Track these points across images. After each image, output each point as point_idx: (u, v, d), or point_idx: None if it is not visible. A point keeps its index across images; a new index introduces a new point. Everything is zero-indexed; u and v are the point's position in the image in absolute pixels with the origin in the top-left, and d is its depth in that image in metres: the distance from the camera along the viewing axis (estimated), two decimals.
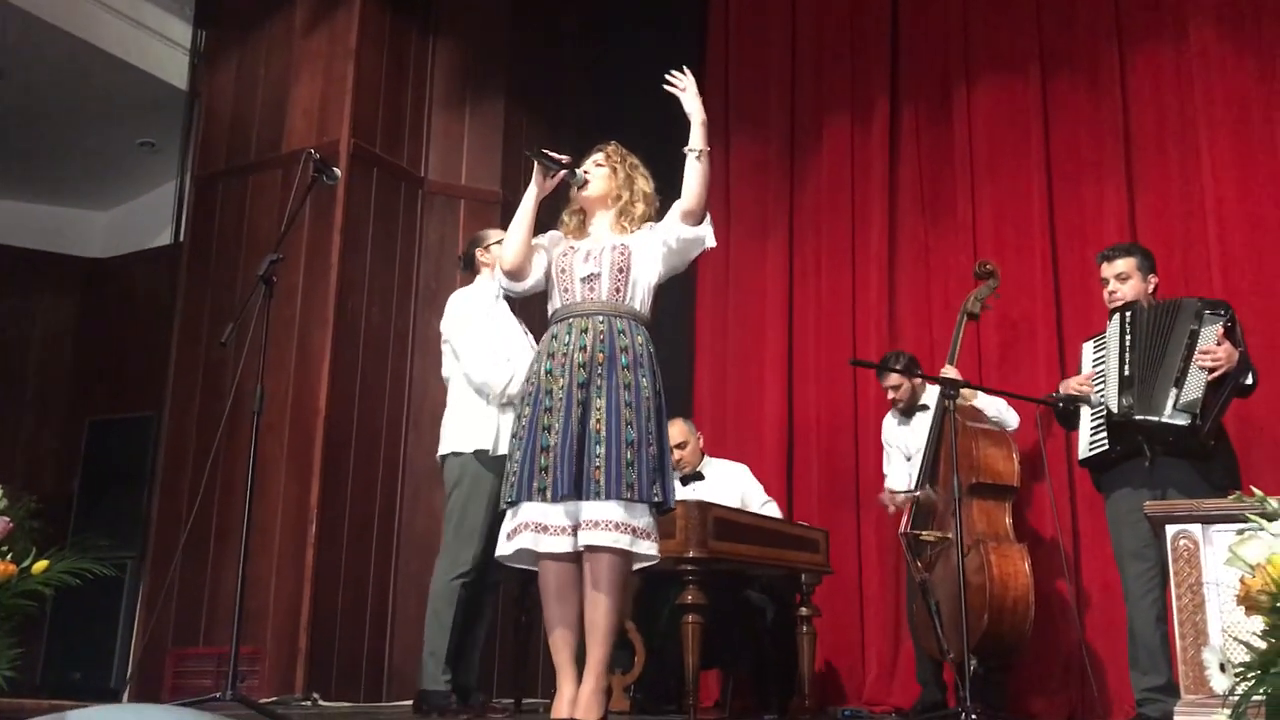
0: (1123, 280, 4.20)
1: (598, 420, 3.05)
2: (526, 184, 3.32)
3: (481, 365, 4.22)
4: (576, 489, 3.01)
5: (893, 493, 5.05)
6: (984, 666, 4.46)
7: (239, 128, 6.04)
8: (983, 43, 5.93)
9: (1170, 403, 3.87)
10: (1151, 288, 4.22)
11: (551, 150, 3.32)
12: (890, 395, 5.10)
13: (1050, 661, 5.03)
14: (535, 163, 3.27)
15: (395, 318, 5.79)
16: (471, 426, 4.23)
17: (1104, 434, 4.03)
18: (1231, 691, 1.59)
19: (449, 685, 4.09)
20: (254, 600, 5.06)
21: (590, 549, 3.02)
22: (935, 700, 4.83)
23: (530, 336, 4.33)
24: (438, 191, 6.10)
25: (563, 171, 3.28)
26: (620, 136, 3.48)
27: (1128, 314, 4.11)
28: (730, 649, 4.94)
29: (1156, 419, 3.87)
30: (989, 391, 4.83)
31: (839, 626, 5.54)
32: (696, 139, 3.24)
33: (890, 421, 5.23)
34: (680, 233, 3.22)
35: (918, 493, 4.77)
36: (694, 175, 3.20)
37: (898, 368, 4.98)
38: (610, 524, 2.99)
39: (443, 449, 4.33)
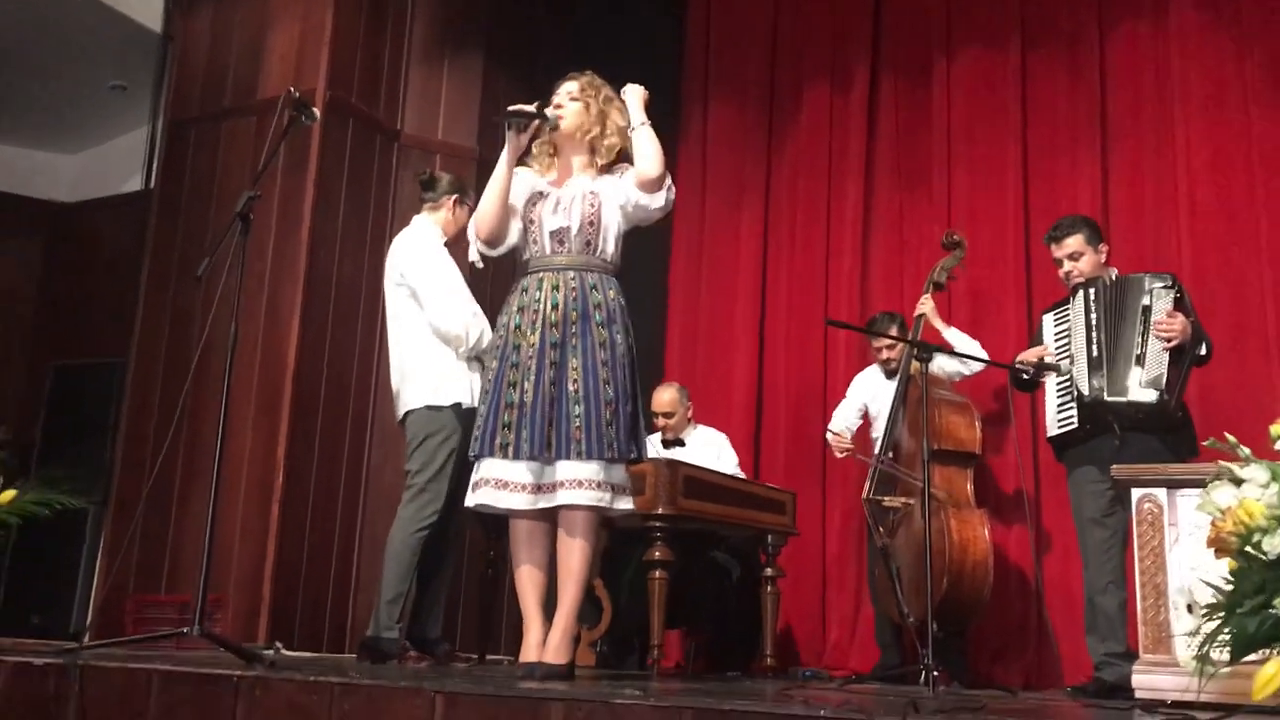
0: (1075, 259, 4.22)
1: (574, 380, 3.03)
2: (504, 140, 3.25)
3: (452, 315, 4.05)
4: (548, 448, 3.01)
5: (836, 434, 5.11)
6: (943, 631, 4.51)
7: (214, 73, 5.95)
8: (964, 14, 5.95)
9: (1135, 381, 3.92)
10: (1103, 257, 4.25)
11: (517, 105, 3.21)
12: (884, 355, 5.14)
13: (1008, 627, 5.10)
14: (506, 126, 3.16)
15: (367, 272, 5.74)
16: (447, 380, 4.09)
17: (1072, 411, 4.07)
18: (1197, 631, 1.63)
19: (403, 633, 4.07)
20: (218, 549, 5.00)
21: (569, 506, 3.03)
22: (894, 663, 4.89)
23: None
24: (413, 145, 6.04)
25: (536, 121, 3.18)
26: None
27: (1091, 291, 4.13)
28: (695, 608, 4.97)
29: (1125, 399, 3.92)
30: (969, 357, 4.83)
31: (801, 590, 5.60)
32: (635, 114, 3.20)
33: (871, 377, 5.26)
34: (636, 198, 3.18)
35: (870, 460, 4.84)
36: (641, 143, 3.16)
37: (890, 332, 4.99)
38: (592, 483, 3.01)
39: (412, 402, 4.14)
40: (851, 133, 6.10)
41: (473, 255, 3.34)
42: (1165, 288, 4.00)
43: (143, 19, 6.34)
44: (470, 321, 4.05)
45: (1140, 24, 5.47)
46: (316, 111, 3.59)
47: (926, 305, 4.92)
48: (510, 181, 3.20)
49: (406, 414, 4.19)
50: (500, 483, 3.05)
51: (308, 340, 5.37)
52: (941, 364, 4.97)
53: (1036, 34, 5.74)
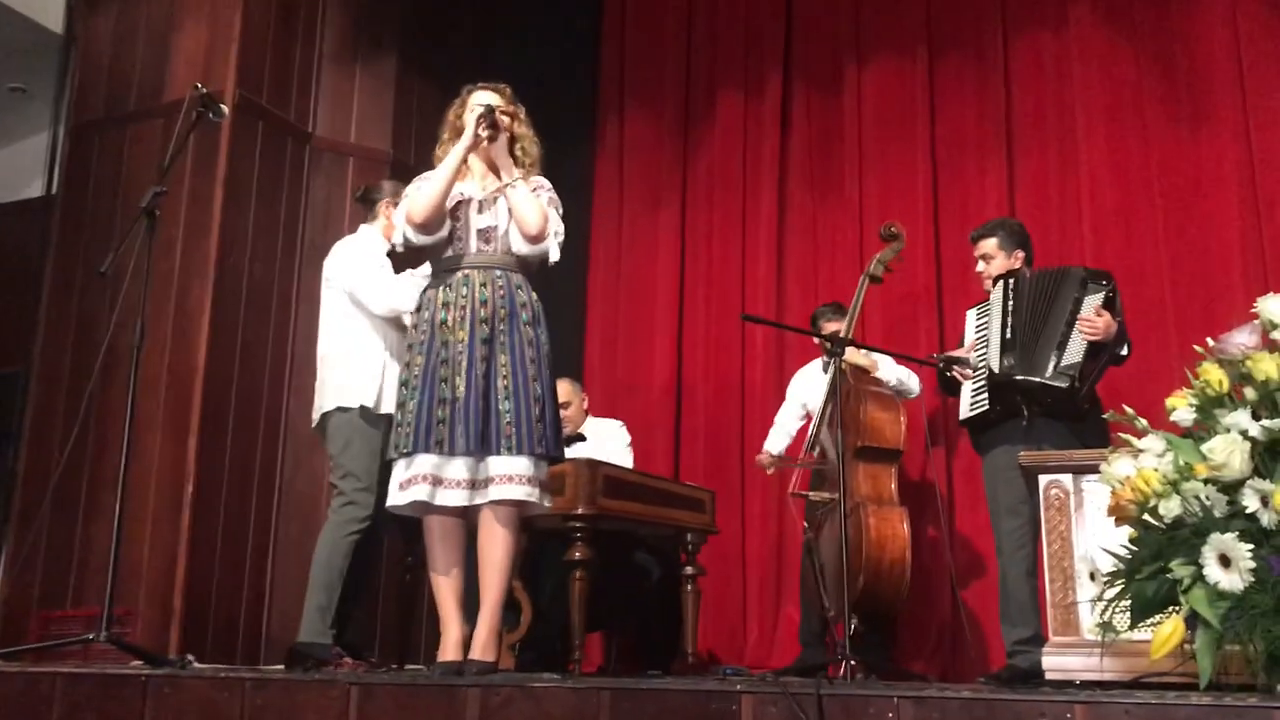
0: (987, 260, 4.36)
1: (504, 376, 3.08)
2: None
3: (387, 293, 4.09)
4: (483, 445, 3.01)
5: (770, 454, 5.12)
6: (864, 626, 4.55)
7: (118, 75, 5.81)
8: (874, 22, 6.05)
9: (1051, 365, 4.01)
10: (1017, 262, 4.33)
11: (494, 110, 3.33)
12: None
13: (930, 622, 5.18)
14: (476, 119, 3.24)
15: (278, 275, 5.64)
16: (356, 381, 4.08)
17: (985, 395, 4.15)
18: (1099, 597, 1.67)
19: (333, 639, 4.01)
20: (127, 561, 4.89)
21: (497, 502, 3.04)
22: (817, 661, 4.91)
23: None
24: (325, 148, 5.94)
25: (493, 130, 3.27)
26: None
27: (1010, 280, 4.24)
28: (615, 609, 4.96)
29: (1038, 380, 4.01)
30: (886, 353, 4.84)
31: (721, 590, 5.62)
32: (506, 172, 3.28)
33: (810, 373, 5.24)
34: (526, 251, 3.24)
35: (793, 462, 4.86)
36: (517, 201, 3.22)
37: (821, 326, 4.96)
38: (522, 478, 3.05)
39: (326, 405, 4.13)
40: (765, 139, 6.17)
41: (396, 238, 3.34)
42: (1099, 284, 4.10)
43: (44, 20, 6.17)
44: (404, 289, 4.02)
45: (1042, 30, 5.61)
46: (225, 108, 3.55)
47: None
48: (457, 175, 3.22)
49: (325, 415, 4.15)
50: (435, 479, 3.03)
51: (218, 343, 5.25)
52: (887, 377, 4.99)
53: (944, 42, 5.86)
